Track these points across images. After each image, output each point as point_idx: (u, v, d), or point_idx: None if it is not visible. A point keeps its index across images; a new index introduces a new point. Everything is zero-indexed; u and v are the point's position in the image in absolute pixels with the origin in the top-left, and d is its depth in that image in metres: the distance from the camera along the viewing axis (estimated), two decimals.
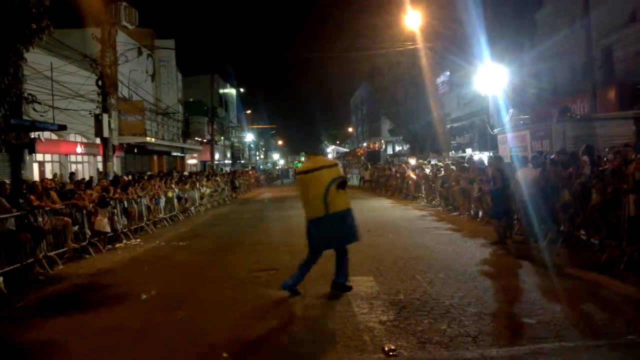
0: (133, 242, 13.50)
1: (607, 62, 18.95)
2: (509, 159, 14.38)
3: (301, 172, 7.83)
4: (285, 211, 20.76)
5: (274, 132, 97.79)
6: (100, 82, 17.78)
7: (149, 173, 24.28)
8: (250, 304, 7.09)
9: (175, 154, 40.56)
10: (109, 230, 12.53)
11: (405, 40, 27.17)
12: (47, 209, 10.49)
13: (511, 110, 20.39)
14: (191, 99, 45.33)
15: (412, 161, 28.79)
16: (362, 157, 57.17)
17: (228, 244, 12.78)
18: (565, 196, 10.12)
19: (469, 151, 29.16)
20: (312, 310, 6.69)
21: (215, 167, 41.70)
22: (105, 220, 12.33)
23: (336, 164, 7.77)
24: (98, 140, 20.16)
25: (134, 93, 29.19)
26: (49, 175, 20.52)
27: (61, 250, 10.73)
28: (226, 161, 56.29)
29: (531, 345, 5.14)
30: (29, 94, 14.22)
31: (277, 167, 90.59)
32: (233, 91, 63.70)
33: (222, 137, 53.60)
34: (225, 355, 5.29)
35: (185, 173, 30.05)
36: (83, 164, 25.97)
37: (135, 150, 31.48)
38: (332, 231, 7.29)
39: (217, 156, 45.75)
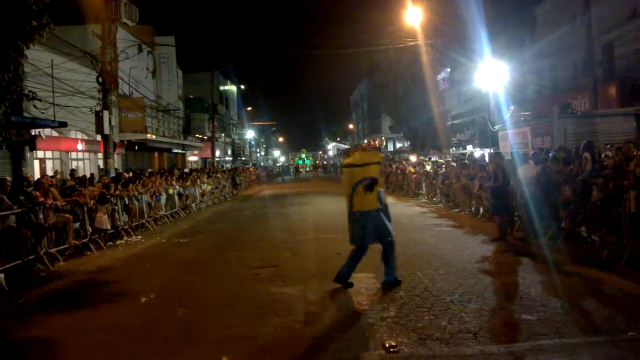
0: (134, 239, 13.51)
1: (607, 59, 18.94)
2: (509, 155, 14.38)
3: (343, 166, 8.02)
4: (285, 208, 20.78)
5: (274, 129, 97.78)
6: (100, 79, 17.77)
7: (149, 170, 24.25)
8: (251, 301, 7.10)
9: (176, 150, 40.55)
10: (108, 227, 12.54)
11: (405, 36, 27.12)
12: (48, 205, 10.49)
13: (512, 107, 20.37)
14: (192, 96, 45.30)
15: (413, 158, 28.80)
16: None
17: (229, 241, 12.79)
18: (566, 193, 10.12)
19: (469, 148, 29.18)
20: (312, 306, 6.70)
21: (216, 164, 41.70)
22: (105, 217, 12.34)
23: (378, 162, 7.75)
24: (99, 137, 20.17)
25: (135, 90, 29.17)
26: (49, 172, 20.51)
27: (62, 247, 10.74)
28: (227, 158, 56.29)
29: (532, 342, 5.14)
30: (30, 91, 14.15)
31: (278, 164, 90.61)
32: (233, 88, 63.68)
33: (223, 134, 53.59)
34: (224, 358, 5.30)
35: (186, 170, 30.03)
36: (84, 160, 25.96)
37: (136, 147, 31.48)
38: (359, 228, 7.47)
39: (217, 153, 45.72)
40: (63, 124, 19.56)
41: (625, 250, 8.12)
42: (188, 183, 21.26)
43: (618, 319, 5.70)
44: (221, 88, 54.38)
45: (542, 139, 15.60)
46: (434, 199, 19.89)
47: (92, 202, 12.22)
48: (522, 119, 17.99)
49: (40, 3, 9.70)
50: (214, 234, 14.30)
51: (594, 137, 13.23)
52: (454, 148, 32.27)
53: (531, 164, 11.35)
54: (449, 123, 33.47)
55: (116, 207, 13.36)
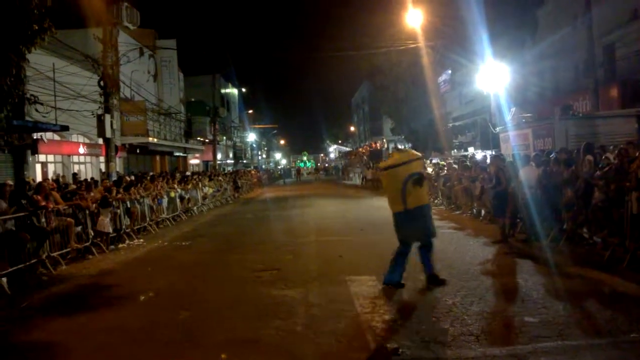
0: (136, 243, 13.52)
1: (609, 60, 18.93)
2: (511, 157, 14.37)
3: (384, 168, 8.09)
4: (287, 211, 20.78)
5: (275, 131, 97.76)
6: (102, 83, 17.80)
7: (151, 173, 24.26)
8: (252, 303, 7.10)
9: (177, 154, 40.57)
10: (110, 230, 12.55)
11: (406, 39, 27.12)
12: (50, 209, 10.50)
13: (513, 109, 20.36)
14: (193, 99, 45.32)
15: None
16: (364, 156, 57.13)
17: (230, 244, 12.79)
18: (567, 194, 10.11)
19: (471, 150, 29.16)
20: (314, 309, 6.69)
21: (217, 167, 41.71)
22: (107, 220, 12.34)
23: (419, 158, 7.88)
24: (100, 141, 20.17)
25: (136, 93, 29.21)
26: (52, 176, 20.53)
27: (64, 251, 10.74)
28: (228, 161, 56.27)
29: (534, 344, 5.14)
30: (32, 95, 14.24)
31: (280, 167, 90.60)
32: (235, 91, 63.71)
33: (224, 137, 53.59)
34: (224, 356, 5.30)
35: (188, 173, 30.04)
36: (86, 164, 25.98)
37: (138, 151, 31.50)
38: (411, 226, 7.49)
39: (219, 156, 45.72)
40: (65, 128, 19.60)
41: (627, 252, 8.10)
42: (190, 186, 21.28)
43: (620, 321, 5.68)
44: (222, 91, 54.39)
45: (543, 141, 15.58)
46: (436, 201, 19.87)
47: (94, 205, 12.23)
48: (524, 120, 17.96)
49: (42, 7, 9.73)
50: (216, 237, 14.30)
51: (595, 138, 13.21)
52: (455, 150, 32.25)
53: (533, 166, 11.35)
54: (450, 125, 33.45)
55: (118, 211, 13.38)
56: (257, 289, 7.95)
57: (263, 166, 78.55)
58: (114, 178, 17.15)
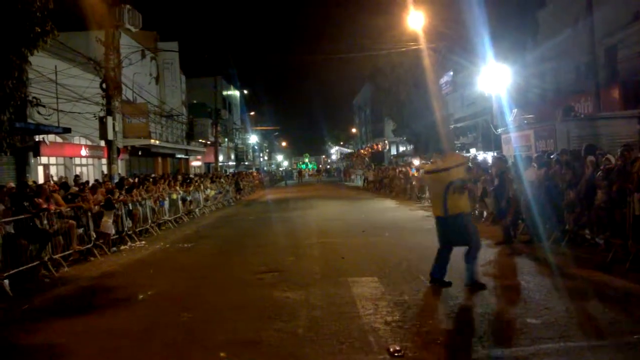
0: (138, 245, 13.53)
1: (610, 62, 18.89)
2: (512, 159, 14.36)
3: (427, 172, 8.16)
4: (289, 213, 20.80)
5: (277, 133, 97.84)
6: (104, 85, 17.83)
7: (152, 175, 24.29)
8: (255, 305, 7.10)
9: (179, 156, 40.62)
10: (113, 231, 12.58)
11: (407, 40, 27.10)
12: (52, 211, 10.52)
13: (515, 110, 20.32)
14: (195, 101, 45.40)
15: (416, 162, 28.76)
16: (366, 158, 57.16)
17: (232, 246, 12.80)
18: (569, 196, 10.10)
19: (472, 151, 29.13)
20: (316, 311, 6.69)
21: (219, 169, 41.74)
22: (111, 221, 12.38)
23: (462, 163, 7.87)
24: (102, 143, 20.21)
25: (138, 95, 29.27)
26: (54, 178, 20.56)
27: (66, 253, 10.76)
28: (230, 163, 56.32)
29: (536, 346, 5.13)
30: (34, 97, 14.22)
31: (281, 169, 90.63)
32: (236, 93, 63.79)
33: (226, 139, 53.65)
34: (223, 354, 5.30)
35: (191, 175, 30.07)
36: (88, 166, 26.02)
37: (140, 153, 31.54)
38: (449, 232, 7.51)
39: (221, 158, 45.78)
40: (67, 130, 19.64)
41: (629, 254, 8.09)
42: (191, 188, 21.30)
43: (623, 322, 5.68)
44: (224, 93, 54.47)
45: (545, 142, 15.57)
46: None
47: (96, 207, 12.25)
48: (525, 122, 17.94)
49: (44, 10, 9.75)
50: (218, 239, 14.31)
51: (597, 140, 13.19)
52: (457, 151, 32.18)
53: (534, 167, 11.34)
54: (452, 126, 33.41)
55: (120, 213, 13.39)
56: (259, 290, 7.95)
57: (265, 168, 78.59)
58: (116, 180, 17.16)
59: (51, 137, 20.89)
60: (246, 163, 64.98)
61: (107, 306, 7.59)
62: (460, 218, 7.40)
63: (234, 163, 58.50)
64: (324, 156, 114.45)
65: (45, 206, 10.36)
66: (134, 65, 25.20)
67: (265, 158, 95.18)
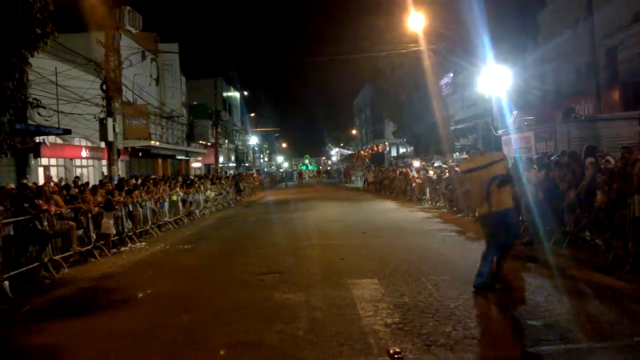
0: (138, 246, 13.52)
1: (610, 63, 18.91)
2: (513, 160, 14.36)
3: (465, 171, 8.08)
4: (289, 214, 20.79)
5: (277, 135, 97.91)
6: (104, 86, 17.84)
7: (152, 176, 24.29)
8: (255, 307, 7.10)
9: (179, 157, 40.64)
10: (113, 232, 12.58)
11: (408, 42, 27.12)
12: (52, 212, 10.52)
13: (515, 112, 20.33)
14: (195, 103, 45.43)
15: (416, 163, 28.78)
16: (366, 160, 57.17)
17: (232, 247, 12.79)
18: (570, 197, 10.10)
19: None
20: (317, 312, 6.69)
21: (219, 170, 41.74)
22: (111, 222, 12.39)
23: (502, 159, 7.79)
24: (103, 144, 20.22)
25: (138, 97, 29.27)
26: (54, 179, 20.56)
27: (66, 254, 10.76)
28: (230, 164, 56.34)
29: (537, 348, 5.13)
30: (34, 99, 14.22)
31: (281, 170, 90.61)
32: (237, 94, 63.82)
33: (226, 140, 53.68)
34: (222, 352, 5.29)
35: (191, 177, 30.08)
36: (88, 167, 26.03)
37: (140, 154, 31.54)
38: (495, 228, 7.37)
39: (221, 159, 45.80)
40: (67, 131, 19.64)
41: (630, 255, 8.09)
42: (192, 190, 21.29)
43: (623, 324, 5.68)
44: (224, 94, 54.50)
45: (545, 144, 15.57)
46: (438, 204, 19.87)
47: (96, 209, 12.25)
48: (525, 123, 17.95)
49: (45, 11, 9.76)
50: (218, 240, 14.30)
51: (597, 141, 13.19)
52: (457, 153, 32.22)
53: (535, 169, 11.33)
54: (452, 128, 33.42)
55: (120, 214, 13.39)
56: (260, 292, 7.94)
57: (265, 169, 78.59)
58: (116, 182, 17.16)
59: (51, 139, 20.90)
60: (246, 164, 65.01)
61: (107, 307, 7.59)
62: (504, 213, 7.33)
63: (234, 164, 58.52)
64: (324, 157, 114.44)
65: (45, 207, 10.35)
66: (134, 66, 25.22)
67: (266, 159, 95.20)
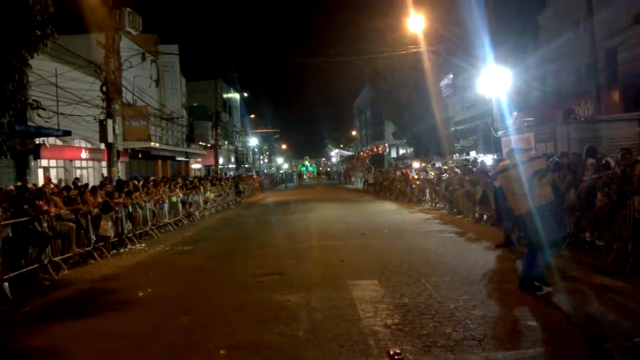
0: (138, 247, 13.52)
1: (611, 64, 18.90)
2: None
3: (501, 171, 8.09)
4: (289, 215, 20.78)
5: (277, 136, 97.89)
6: (104, 88, 17.85)
7: (152, 178, 24.29)
8: (255, 308, 7.09)
9: (179, 158, 40.64)
10: (112, 234, 12.57)
11: (408, 43, 27.13)
12: (52, 214, 10.51)
13: (515, 113, 20.33)
14: (195, 104, 45.43)
15: (416, 164, 28.78)
16: (366, 161, 57.14)
17: (232, 249, 12.78)
18: (570, 198, 10.09)
19: (473, 154, 29.15)
20: (317, 314, 6.68)
21: (219, 172, 41.75)
22: (110, 224, 12.36)
23: (539, 157, 7.88)
24: (103, 146, 20.21)
25: (138, 98, 29.26)
26: (54, 180, 20.55)
27: (66, 256, 10.75)
28: (230, 165, 56.34)
29: (537, 349, 5.12)
30: (34, 100, 14.26)
31: (281, 171, 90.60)
32: (237, 96, 63.84)
33: (226, 142, 53.69)
34: (222, 352, 5.28)
35: (190, 178, 30.08)
36: (88, 169, 26.02)
37: (140, 155, 31.54)
38: (540, 224, 7.22)
39: (221, 160, 45.80)
40: (67, 133, 19.64)
41: (630, 256, 8.08)
42: (192, 192, 21.28)
43: (623, 325, 5.67)
44: (224, 96, 54.53)
45: (545, 145, 15.57)
46: (438, 205, 19.86)
47: (95, 210, 12.24)
48: (525, 124, 17.95)
49: (45, 13, 9.76)
50: (218, 242, 14.30)
51: (597, 142, 13.19)
52: (457, 154, 32.22)
53: None
54: (452, 129, 33.43)
55: (120, 216, 13.38)
56: (260, 293, 7.94)
57: (265, 170, 78.58)
58: (114, 183, 17.16)
59: (51, 140, 20.91)
60: (246, 166, 65.01)
61: (107, 309, 7.58)
62: (548, 207, 7.32)
63: (234, 166, 58.52)
64: (324, 159, 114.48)
65: (45, 209, 10.35)
66: (134, 68, 25.21)
67: (266, 161, 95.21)
